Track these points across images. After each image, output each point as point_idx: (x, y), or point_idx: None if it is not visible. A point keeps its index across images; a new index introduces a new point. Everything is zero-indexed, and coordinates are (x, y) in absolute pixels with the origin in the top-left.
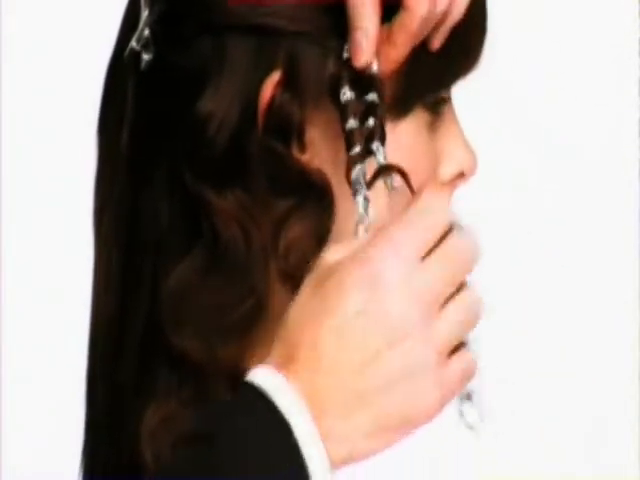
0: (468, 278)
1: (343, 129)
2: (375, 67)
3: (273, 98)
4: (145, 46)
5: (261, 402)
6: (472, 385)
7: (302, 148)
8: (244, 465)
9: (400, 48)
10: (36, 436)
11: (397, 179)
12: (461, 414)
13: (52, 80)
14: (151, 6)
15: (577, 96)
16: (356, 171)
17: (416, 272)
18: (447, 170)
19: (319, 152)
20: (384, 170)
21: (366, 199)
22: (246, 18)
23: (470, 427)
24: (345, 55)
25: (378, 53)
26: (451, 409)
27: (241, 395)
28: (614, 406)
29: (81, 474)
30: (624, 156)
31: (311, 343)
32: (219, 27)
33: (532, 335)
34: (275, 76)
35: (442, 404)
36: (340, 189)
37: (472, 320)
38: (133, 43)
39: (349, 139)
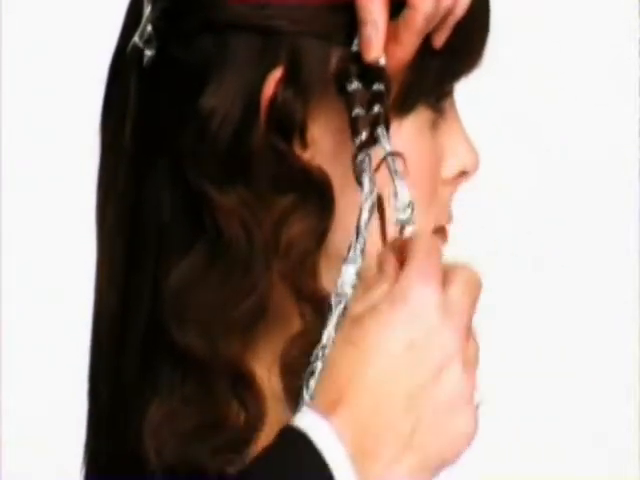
0: None
1: (349, 117)
2: (383, 60)
3: (275, 95)
4: (148, 42)
5: (308, 453)
6: None
7: (304, 145)
8: None
9: (406, 46)
10: (37, 435)
11: (400, 164)
12: None
13: (55, 75)
14: (154, 2)
15: (577, 96)
16: (361, 156)
17: (447, 300)
18: (450, 168)
19: (321, 149)
20: (389, 155)
21: (372, 180)
22: (248, 17)
23: None
24: (354, 48)
25: (385, 51)
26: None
27: (287, 443)
28: (614, 406)
29: (84, 471)
30: (624, 156)
31: (357, 385)
32: (221, 24)
33: (532, 335)
34: (277, 73)
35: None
36: (341, 187)
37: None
38: (136, 39)
39: (355, 126)
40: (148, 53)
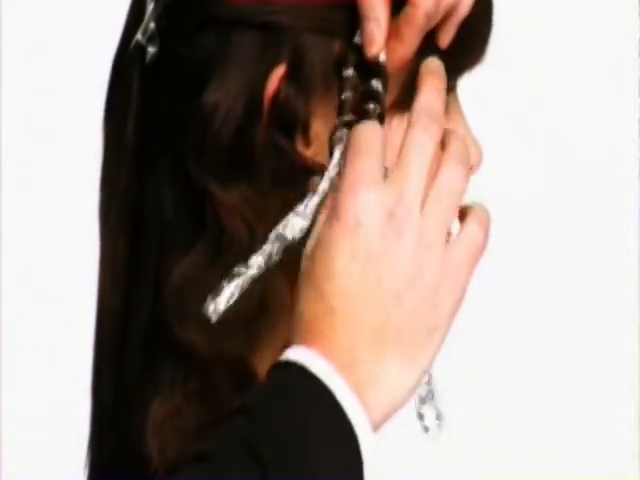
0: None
1: (339, 100)
2: (383, 57)
3: (278, 92)
4: (150, 39)
5: (296, 372)
6: (430, 386)
7: (306, 142)
8: (289, 429)
9: (407, 42)
10: (37, 435)
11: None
12: (420, 417)
13: (58, 73)
14: (156, 0)
15: (577, 96)
16: (341, 133)
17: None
18: None
19: (323, 146)
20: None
21: (342, 154)
22: (251, 14)
23: (427, 430)
24: (356, 39)
25: (386, 48)
26: (409, 412)
27: (279, 372)
28: (614, 406)
29: (87, 469)
30: (624, 156)
31: (323, 308)
32: (224, 21)
33: (532, 335)
34: (280, 70)
35: (460, 300)
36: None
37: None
38: (139, 36)
39: (341, 107)
40: (151, 50)
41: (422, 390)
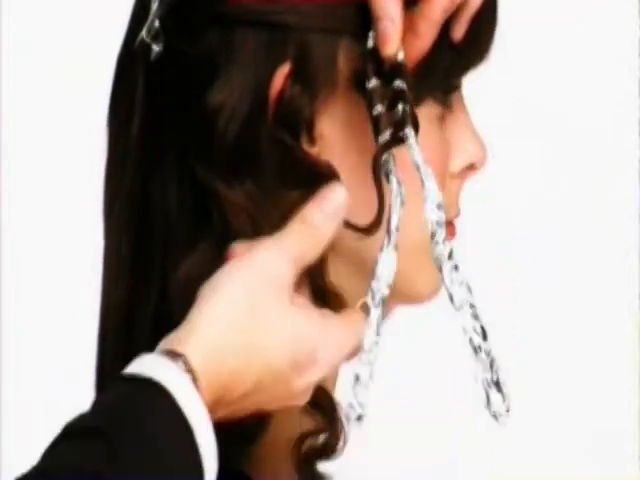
0: None
1: (370, 116)
2: (401, 55)
3: (283, 90)
4: (155, 37)
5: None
6: (501, 374)
7: (312, 140)
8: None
9: (424, 36)
10: (37, 434)
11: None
12: (487, 402)
13: (62, 71)
14: None
15: (577, 96)
16: (386, 156)
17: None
18: (458, 162)
19: (329, 144)
20: (418, 159)
21: (399, 183)
22: (256, 12)
23: (495, 416)
24: (369, 44)
25: (402, 44)
26: (477, 398)
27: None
28: (614, 406)
29: None
30: (624, 156)
31: (204, 320)
32: (229, 19)
33: (532, 335)
34: (285, 68)
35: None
36: (349, 182)
37: None
38: (143, 34)
39: (377, 125)
40: (155, 49)
41: (488, 375)
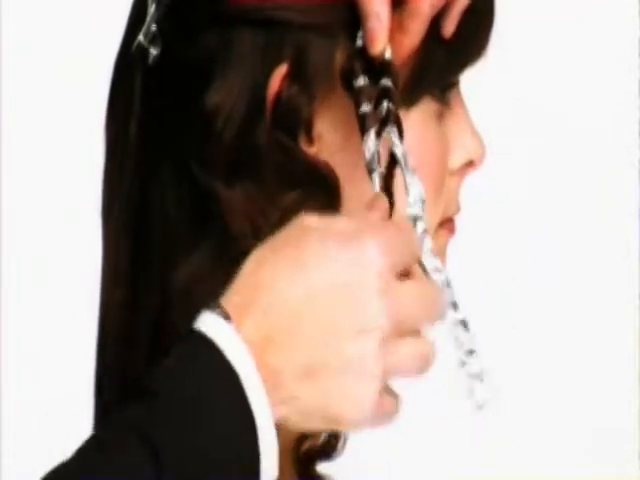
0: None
1: (357, 114)
2: (388, 53)
3: (281, 91)
4: (152, 41)
5: (206, 351)
6: (483, 364)
7: (310, 141)
8: (185, 409)
9: (412, 34)
10: (37, 434)
11: (411, 159)
12: (471, 392)
13: (60, 75)
14: (158, 1)
15: (576, 95)
16: (371, 152)
17: (396, 286)
18: (456, 158)
19: (327, 145)
20: (400, 153)
21: (382, 178)
22: (253, 11)
23: (479, 407)
24: (358, 43)
25: (391, 41)
26: (460, 389)
27: (186, 344)
28: (614, 406)
29: None
30: (624, 156)
31: (277, 293)
32: (226, 20)
33: (532, 334)
34: (282, 69)
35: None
36: (347, 182)
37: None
38: (140, 38)
39: (363, 123)
40: (153, 52)
41: (472, 367)
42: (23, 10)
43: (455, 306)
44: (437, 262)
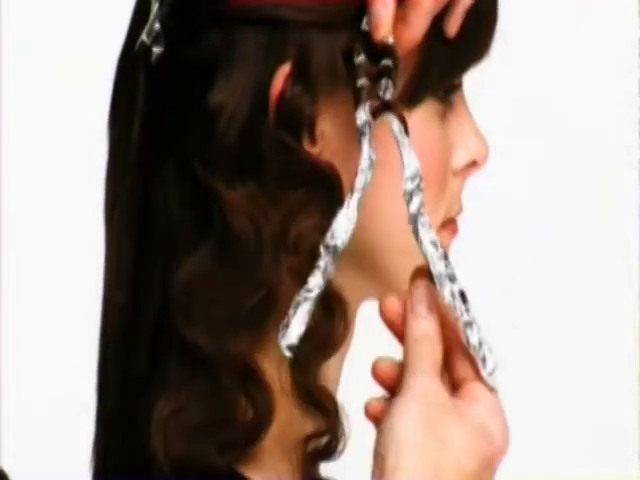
0: None
1: (353, 88)
2: (391, 39)
3: (284, 90)
4: (156, 40)
5: None
6: (482, 334)
7: (313, 141)
8: None
9: (414, 27)
10: (37, 434)
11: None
12: (483, 364)
13: (64, 74)
14: (161, 0)
15: (577, 95)
16: (362, 120)
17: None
18: (459, 159)
19: (330, 145)
20: (387, 107)
21: (371, 144)
22: (254, 10)
23: (491, 374)
24: (363, 27)
25: (393, 33)
26: None
27: None
28: (614, 406)
29: (92, 468)
30: (624, 156)
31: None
32: (229, 19)
33: (532, 334)
34: (286, 68)
35: None
36: (350, 181)
37: None
38: (144, 37)
39: (358, 96)
40: (156, 51)
41: (472, 337)
42: (23, 10)
43: (453, 278)
44: (434, 235)
